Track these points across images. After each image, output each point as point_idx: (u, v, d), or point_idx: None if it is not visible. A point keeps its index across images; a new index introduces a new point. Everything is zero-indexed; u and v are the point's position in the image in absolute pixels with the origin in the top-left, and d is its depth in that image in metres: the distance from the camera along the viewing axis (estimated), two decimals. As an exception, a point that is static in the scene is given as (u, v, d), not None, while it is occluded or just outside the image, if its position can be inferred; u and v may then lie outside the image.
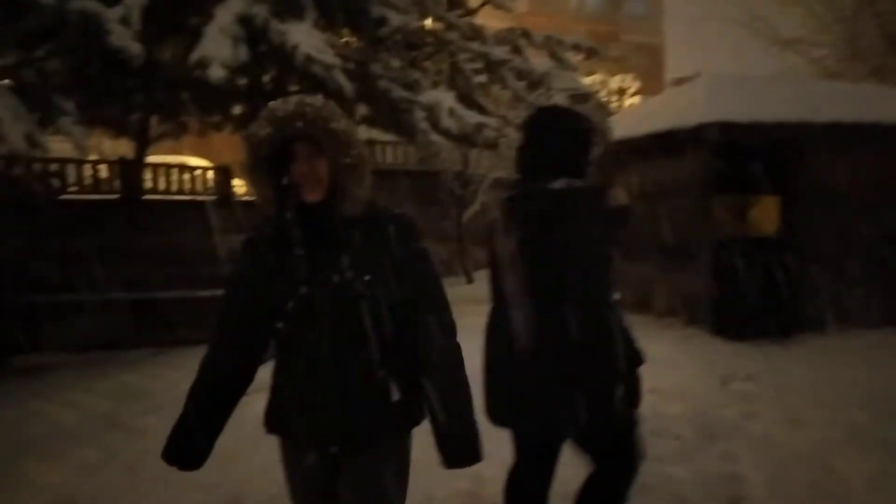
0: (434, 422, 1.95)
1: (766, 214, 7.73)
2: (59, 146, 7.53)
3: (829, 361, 6.40)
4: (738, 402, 5.24)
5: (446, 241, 12.37)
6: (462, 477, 3.85)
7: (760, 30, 16.64)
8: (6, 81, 6.46)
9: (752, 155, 7.52)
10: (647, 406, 5.08)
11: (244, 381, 2.03)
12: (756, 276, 7.51)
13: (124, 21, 6.21)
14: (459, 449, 1.92)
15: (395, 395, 1.92)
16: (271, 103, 1.89)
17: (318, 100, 1.92)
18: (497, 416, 2.63)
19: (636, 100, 23.66)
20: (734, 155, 7.52)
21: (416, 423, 2.02)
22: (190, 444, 1.99)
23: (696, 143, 7.78)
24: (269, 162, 1.87)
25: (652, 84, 29.18)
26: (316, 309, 1.87)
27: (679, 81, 12.92)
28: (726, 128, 7.41)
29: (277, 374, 2.04)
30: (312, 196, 1.88)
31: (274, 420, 2.04)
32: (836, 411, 4.96)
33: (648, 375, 5.84)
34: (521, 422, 2.62)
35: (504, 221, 2.60)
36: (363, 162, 1.92)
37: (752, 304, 7.43)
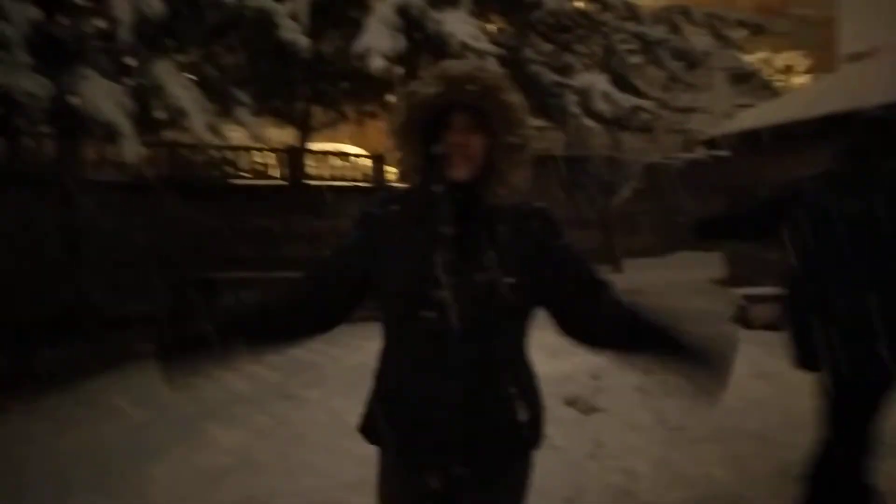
0: (663, 351, 1.74)
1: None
2: (231, 134, 8.14)
3: None
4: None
5: (592, 228, 12.14)
6: (615, 472, 3.80)
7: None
8: (189, 75, 7.05)
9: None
10: (817, 409, 4.80)
11: (291, 338, 1.83)
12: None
13: (293, 16, 6.59)
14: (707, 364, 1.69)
15: (523, 416, 1.72)
16: (443, 62, 1.69)
17: (493, 68, 1.74)
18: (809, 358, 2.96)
19: (805, 78, 21.93)
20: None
21: (538, 445, 1.81)
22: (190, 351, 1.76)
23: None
24: (425, 126, 1.65)
25: (824, 61, 26.89)
26: (451, 307, 1.61)
27: (854, 57, 11.85)
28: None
29: (386, 376, 1.77)
30: (458, 172, 1.64)
31: (378, 430, 1.77)
32: None
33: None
34: (838, 361, 2.77)
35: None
36: (528, 144, 1.69)
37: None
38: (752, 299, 7.13)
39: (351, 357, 5.88)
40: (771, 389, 5.30)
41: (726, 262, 10.86)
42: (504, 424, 1.70)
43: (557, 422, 4.42)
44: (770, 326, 6.97)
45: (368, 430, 1.80)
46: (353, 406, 4.95)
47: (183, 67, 7.28)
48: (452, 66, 1.65)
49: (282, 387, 5.32)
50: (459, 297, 1.61)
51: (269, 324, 1.80)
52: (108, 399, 5.27)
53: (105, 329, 6.50)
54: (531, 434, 1.76)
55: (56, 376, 5.66)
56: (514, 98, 1.65)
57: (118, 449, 4.28)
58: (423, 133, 1.65)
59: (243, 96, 6.72)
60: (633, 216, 12.68)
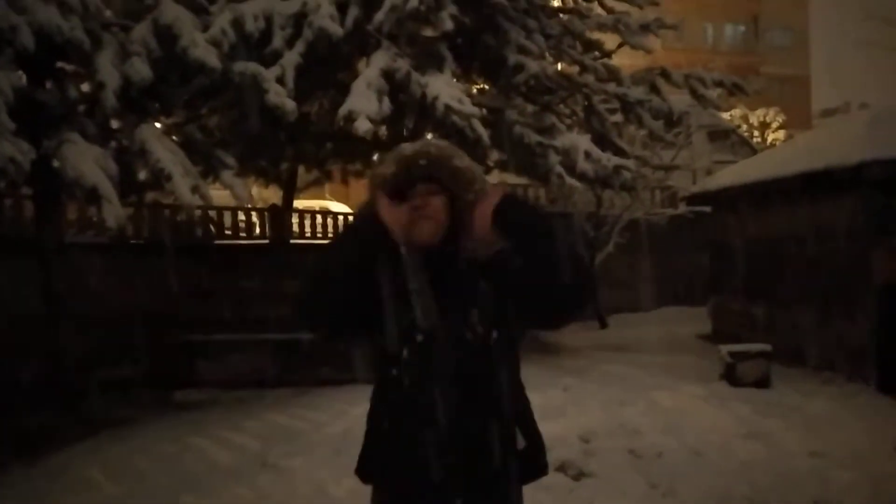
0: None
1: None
2: (215, 193, 8.13)
3: None
4: (917, 472, 4.71)
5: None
6: None
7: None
8: (174, 137, 7.07)
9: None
10: (810, 471, 4.74)
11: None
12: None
13: (280, 80, 6.66)
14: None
15: (521, 443, 1.83)
16: (401, 145, 1.91)
17: (441, 141, 1.96)
18: None
19: (781, 134, 22.46)
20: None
21: (543, 472, 1.93)
22: None
23: (856, 182, 7.23)
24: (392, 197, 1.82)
25: (797, 117, 27.62)
26: (437, 361, 1.76)
27: (827, 113, 12.20)
28: (891, 165, 6.84)
29: (379, 416, 1.87)
30: (424, 236, 1.79)
31: (377, 469, 1.86)
32: None
33: (810, 436, 5.45)
34: None
35: None
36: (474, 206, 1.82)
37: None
38: (738, 356, 7.10)
39: (335, 423, 5.75)
40: (762, 450, 5.23)
41: (711, 317, 10.87)
42: (503, 452, 1.78)
43: (546, 489, 4.33)
44: (757, 383, 6.95)
45: (364, 470, 1.90)
46: (338, 476, 4.83)
47: (167, 130, 7.31)
48: (406, 147, 1.88)
49: (262, 456, 5.16)
50: (445, 352, 1.75)
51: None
52: (83, 472, 5.07)
53: (82, 394, 6.34)
54: (531, 463, 1.86)
55: (27, 446, 5.47)
56: (464, 162, 1.85)
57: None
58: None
59: (228, 158, 6.74)
60: (617, 272, 12.72)
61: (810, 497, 4.37)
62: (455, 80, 7.76)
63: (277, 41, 7.14)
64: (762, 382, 6.98)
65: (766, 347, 7.23)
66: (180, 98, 7.06)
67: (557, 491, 4.31)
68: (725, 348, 7.30)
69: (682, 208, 12.65)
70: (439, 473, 1.73)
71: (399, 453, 1.78)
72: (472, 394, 1.76)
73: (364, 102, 6.61)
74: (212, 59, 6.24)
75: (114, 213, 5.57)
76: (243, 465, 5.02)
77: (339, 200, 16.71)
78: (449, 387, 1.75)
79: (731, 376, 7.04)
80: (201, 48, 6.23)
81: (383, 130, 8.25)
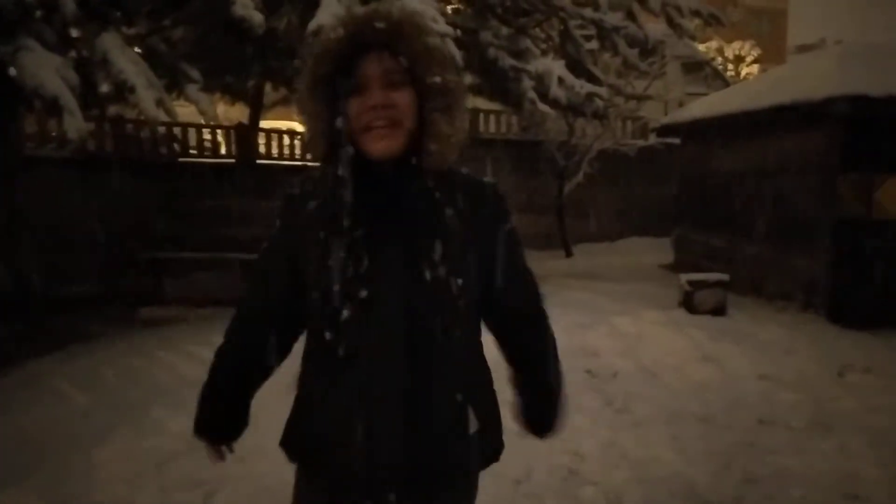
0: (528, 397, 1.66)
1: (894, 196, 7.22)
2: (180, 110, 7.95)
3: (960, 355, 5.97)
4: (857, 394, 4.99)
5: (545, 213, 12.25)
6: (563, 453, 3.87)
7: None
8: (137, 49, 6.83)
9: (883, 131, 7.02)
10: (759, 392, 4.99)
11: (264, 377, 1.64)
12: (881, 261, 7.08)
13: (246, -9, 6.42)
14: (549, 422, 1.68)
15: (474, 426, 1.45)
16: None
17: (411, 3, 1.49)
18: None
19: (755, 68, 22.42)
20: (863, 131, 7.05)
21: (496, 457, 1.58)
22: (219, 420, 1.66)
23: (822, 118, 7.33)
24: (329, 84, 1.31)
25: (772, 51, 27.54)
26: (384, 318, 1.33)
27: (802, 49, 12.20)
28: (857, 101, 6.92)
29: (311, 387, 1.48)
30: (381, 145, 1.31)
31: (301, 446, 1.51)
32: (968, 410, 4.64)
33: (761, 360, 5.71)
34: None
35: None
36: (461, 93, 1.38)
37: (873, 291, 7.02)
38: (696, 285, 7.31)
39: (300, 339, 5.84)
40: (714, 373, 5.47)
41: (674, 248, 11.10)
42: (453, 439, 1.42)
43: (502, 404, 4.50)
44: (714, 311, 7.18)
45: (290, 444, 1.54)
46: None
47: (130, 41, 7.06)
48: (358, 6, 1.37)
49: (231, 369, 5.25)
50: (396, 305, 1.33)
51: (256, 366, 1.62)
52: (51, 382, 5.12)
53: (47, 311, 6.31)
54: (483, 446, 1.50)
55: (-4, 358, 5.48)
56: (436, 41, 1.35)
57: (61, 433, 4.18)
58: (330, 93, 1.32)
59: (193, 72, 6.55)
60: (584, 201, 12.83)
61: (756, 415, 4.61)
62: (429, -2, 7.55)
63: (245, -50, 6.86)
64: (719, 310, 7.21)
65: (724, 277, 7.44)
66: (143, 7, 6.79)
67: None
68: (685, 277, 7.50)
69: (652, 139, 12.69)
70: (373, 462, 1.37)
71: (328, 434, 1.41)
72: (425, 363, 1.36)
73: (333, 17, 6.43)
74: (175, -34, 6.00)
75: (76, 125, 5.42)
76: (211, 378, 5.10)
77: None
78: (395, 355, 1.34)
79: (689, 304, 7.26)
80: (163, -46, 5.99)
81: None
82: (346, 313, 1.33)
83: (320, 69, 1.31)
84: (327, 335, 1.36)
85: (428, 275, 1.32)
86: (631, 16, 9.64)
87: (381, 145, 1.30)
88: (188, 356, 5.65)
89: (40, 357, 5.61)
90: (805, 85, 7.75)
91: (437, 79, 1.32)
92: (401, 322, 1.33)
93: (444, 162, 1.36)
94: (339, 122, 1.30)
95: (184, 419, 4.35)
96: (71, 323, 6.53)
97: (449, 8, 9.36)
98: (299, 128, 14.39)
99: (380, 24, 1.29)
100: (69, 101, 5.36)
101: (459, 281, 1.36)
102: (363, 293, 1.32)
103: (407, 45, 1.30)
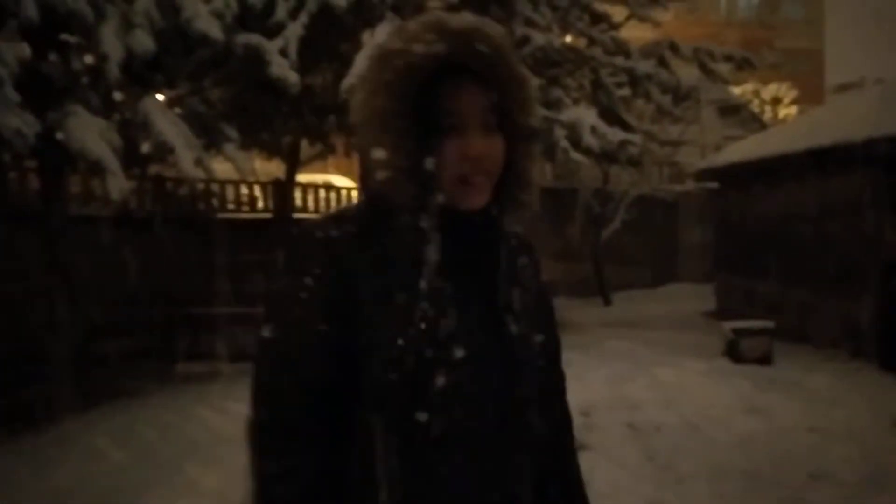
0: None
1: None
2: (218, 167, 8.15)
3: None
4: (913, 447, 4.74)
5: (582, 260, 12.14)
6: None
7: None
8: (177, 110, 7.06)
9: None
10: (808, 445, 4.77)
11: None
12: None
13: (283, 52, 6.63)
14: None
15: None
16: (428, 15, 1.09)
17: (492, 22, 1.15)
18: None
19: (793, 109, 22.19)
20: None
21: None
22: None
23: (864, 159, 7.16)
24: (413, 110, 1.04)
25: (811, 92, 27.28)
26: (481, 385, 1.08)
27: (841, 88, 12.05)
28: (899, 142, 6.77)
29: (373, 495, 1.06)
30: (478, 201, 1.09)
31: None
32: None
33: (810, 411, 5.48)
34: None
35: None
36: (536, 140, 1.19)
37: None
38: (741, 333, 7.10)
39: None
40: (760, 425, 5.26)
41: (716, 294, 10.85)
42: None
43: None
44: (760, 360, 6.96)
45: None
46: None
47: (171, 102, 7.30)
48: (450, 17, 1.06)
49: (265, 425, 5.23)
50: (492, 368, 1.09)
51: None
52: (88, 439, 5.17)
53: (87, 366, 6.41)
54: None
55: (33, 417, 5.56)
56: (525, 71, 1.13)
57: (97, 491, 4.19)
58: (412, 123, 1.04)
59: (231, 131, 6.73)
60: (622, 248, 12.69)
61: (806, 470, 4.40)
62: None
63: (280, 13, 7.10)
64: (764, 359, 6.99)
65: (769, 324, 7.23)
66: (183, 70, 7.03)
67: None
68: (728, 325, 7.30)
69: (690, 184, 12.56)
70: None
71: None
72: (511, 436, 1.12)
73: (367, 75, 6.57)
74: (214, 30, 6.21)
75: (118, 185, 5.58)
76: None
77: (342, 174, 16.68)
78: (495, 429, 1.09)
79: (733, 352, 7.05)
80: (204, 19, 6.20)
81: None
82: (440, 380, 1.04)
83: (401, 89, 1.03)
84: (418, 414, 1.04)
85: (514, 329, 1.12)
86: (663, 62, 9.67)
87: (476, 200, 1.09)
88: (223, 412, 5.66)
89: (77, 416, 5.68)
90: (845, 126, 7.63)
91: (531, 121, 1.13)
92: (501, 387, 1.10)
93: (529, 212, 1.17)
94: (430, 164, 1.05)
95: (217, 476, 4.35)
96: (108, 379, 6.61)
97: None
98: (336, 181, 14.65)
99: (481, 47, 1.04)
100: (112, 162, 5.53)
101: (539, 337, 1.18)
102: (459, 354, 1.05)
103: (502, 78, 1.07)
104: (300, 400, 1.06)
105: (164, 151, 6.05)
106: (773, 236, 9.10)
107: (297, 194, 9.91)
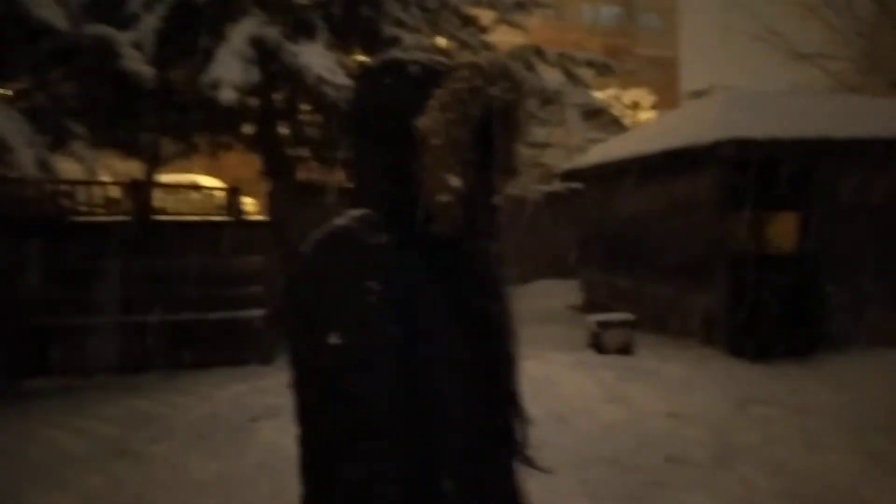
0: None
1: (784, 232, 7.60)
2: (69, 167, 7.56)
3: (850, 382, 6.24)
4: (757, 426, 5.12)
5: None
6: None
7: (777, 43, 16.51)
8: (16, 105, 6.49)
9: (769, 171, 7.42)
10: (665, 430, 5.04)
11: None
12: (774, 295, 7.39)
13: (137, 45, 6.25)
14: None
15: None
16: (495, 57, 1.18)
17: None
18: None
19: (651, 114, 23.53)
20: (751, 171, 7.43)
21: None
22: None
23: (712, 160, 7.68)
24: (472, 143, 1.14)
25: (667, 97, 29.05)
26: (488, 405, 1.23)
27: (695, 94, 12.88)
28: (743, 144, 7.31)
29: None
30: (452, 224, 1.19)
31: None
32: (858, 436, 4.83)
33: (667, 398, 5.79)
34: None
35: None
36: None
37: (770, 324, 7.31)
38: (604, 325, 7.42)
39: (200, 407, 5.54)
40: (622, 413, 5.50)
41: (581, 289, 11.31)
42: None
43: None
44: (621, 350, 7.30)
45: None
46: (204, 461, 4.64)
47: (11, 97, 6.72)
48: (510, 63, 1.20)
49: (120, 443, 4.89)
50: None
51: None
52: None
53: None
54: None
55: None
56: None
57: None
58: (471, 151, 1.14)
59: (79, 128, 6.26)
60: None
61: (663, 453, 4.65)
62: (330, 51, 7.55)
63: (134, 4, 6.71)
64: (626, 349, 7.34)
65: (630, 317, 7.60)
66: (25, 62, 6.49)
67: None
68: (592, 318, 7.61)
69: (557, 185, 13.01)
70: None
71: None
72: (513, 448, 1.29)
73: (229, 70, 6.32)
74: (59, 19, 5.78)
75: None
76: (97, 453, 4.73)
77: (209, 174, 16.01)
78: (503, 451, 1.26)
79: (597, 344, 7.35)
80: (46, 7, 5.75)
81: (254, 101, 7.94)
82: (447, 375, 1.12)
83: (476, 127, 1.14)
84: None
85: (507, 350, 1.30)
86: (530, 67, 9.93)
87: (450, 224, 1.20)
88: (72, 430, 5.23)
89: None
90: (695, 129, 8.15)
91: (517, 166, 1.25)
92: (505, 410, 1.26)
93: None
94: (498, 201, 1.21)
95: (65, 501, 4.01)
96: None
97: (353, 60, 9.40)
98: (204, 182, 14.04)
99: (512, 96, 1.16)
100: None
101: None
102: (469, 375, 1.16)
103: (515, 126, 1.20)
104: (383, 404, 1.05)
105: (1, 150, 5.54)
106: (632, 233, 9.59)
107: (159, 195, 9.39)
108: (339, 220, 1.14)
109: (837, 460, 4.41)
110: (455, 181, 1.12)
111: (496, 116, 1.15)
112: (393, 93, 1.18)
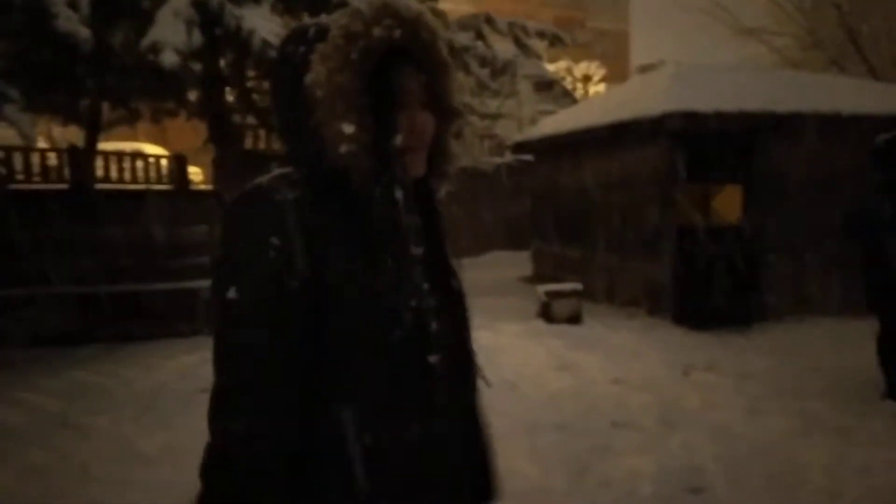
0: None
1: (728, 203, 7.79)
2: (4, 133, 7.24)
3: (788, 350, 6.48)
4: (700, 393, 5.27)
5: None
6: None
7: (724, 18, 16.76)
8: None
9: (714, 144, 7.57)
10: (612, 396, 5.15)
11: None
12: (718, 266, 7.59)
13: (72, 5, 5.98)
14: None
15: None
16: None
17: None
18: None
19: (602, 87, 23.73)
20: (697, 144, 7.56)
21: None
22: None
23: (658, 133, 7.79)
24: (367, 87, 1.15)
25: (618, 71, 29.31)
26: (433, 335, 1.19)
27: (644, 68, 13.01)
28: (689, 117, 7.43)
29: (387, 430, 1.16)
30: (419, 169, 1.24)
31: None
32: (795, 400, 5.02)
33: (614, 365, 5.91)
34: None
35: None
36: (459, 119, 1.34)
37: (712, 293, 7.52)
38: (553, 295, 7.52)
39: (146, 378, 5.43)
40: (570, 380, 5.60)
41: (532, 260, 11.42)
42: (487, 465, 1.44)
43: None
44: (570, 320, 7.41)
45: None
46: (149, 432, 4.56)
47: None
48: (399, 3, 1.17)
49: (62, 416, 4.76)
50: (443, 319, 1.23)
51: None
52: None
53: None
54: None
55: None
56: (449, 57, 1.26)
57: None
58: (368, 101, 1.15)
59: (10, 91, 5.98)
60: (446, 219, 12.96)
61: (610, 419, 4.75)
62: (276, 14, 7.35)
63: (70, -39, 6.40)
64: (574, 319, 7.45)
65: (578, 287, 7.71)
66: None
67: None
68: (542, 288, 7.70)
69: (508, 156, 13.06)
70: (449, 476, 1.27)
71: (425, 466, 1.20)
72: (463, 384, 1.33)
73: (170, 33, 6.11)
74: (-13, -24, 5.49)
75: None
76: (40, 426, 4.61)
77: (154, 142, 15.55)
78: (467, 366, 1.33)
79: (546, 314, 7.45)
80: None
81: (198, 66, 7.69)
82: (433, 326, 1.19)
83: (363, 68, 1.14)
84: (430, 357, 1.18)
85: (457, 285, 1.31)
86: (480, 35, 9.88)
87: (419, 168, 1.24)
88: (12, 403, 5.08)
89: None
90: (643, 103, 8.23)
91: (455, 102, 1.28)
92: (461, 329, 1.31)
93: (451, 182, 1.35)
94: (399, 140, 1.18)
95: (4, 475, 3.90)
96: None
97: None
98: (146, 149, 13.62)
99: (425, 35, 1.19)
100: None
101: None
102: (432, 304, 1.20)
103: (434, 63, 1.22)
104: (274, 360, 1.09)
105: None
106: (582, 205, 9.70)
107: (100, 163, 9.07)
108: (259, 180, 1.17)
109: (776, 423, 4.58)
110: (349, 128, 1.13)
111: (396, 56, 1.16)
112: (290, 56, 1.20)
